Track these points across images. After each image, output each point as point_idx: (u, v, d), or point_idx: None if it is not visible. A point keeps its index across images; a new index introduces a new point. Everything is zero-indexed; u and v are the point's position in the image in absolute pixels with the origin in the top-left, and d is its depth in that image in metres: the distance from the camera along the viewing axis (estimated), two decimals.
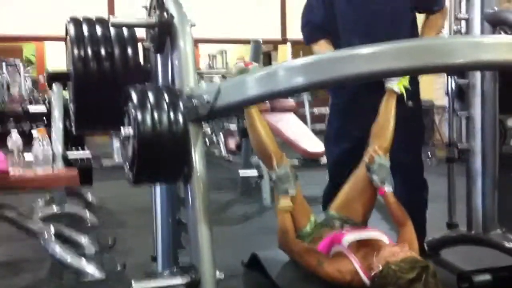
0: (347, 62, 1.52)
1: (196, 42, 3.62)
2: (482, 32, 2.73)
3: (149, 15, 2.10)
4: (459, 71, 2.72)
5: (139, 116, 1.76)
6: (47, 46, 14.01)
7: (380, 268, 2.01)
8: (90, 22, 2.23)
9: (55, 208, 4.01)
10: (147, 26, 2.09)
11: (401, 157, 2.65)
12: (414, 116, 2.76)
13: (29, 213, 3.37)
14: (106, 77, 2.16)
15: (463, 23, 2.84)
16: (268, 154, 2.43)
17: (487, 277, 2.45)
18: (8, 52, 12.32)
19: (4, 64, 11.55)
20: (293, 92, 2.25)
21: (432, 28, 2.76)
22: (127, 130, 1.85)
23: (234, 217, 4.19)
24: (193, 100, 1.80)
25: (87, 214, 4.04)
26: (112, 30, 2.22)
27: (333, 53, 1.61)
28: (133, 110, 1.80)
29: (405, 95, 2.54)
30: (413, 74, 2.40)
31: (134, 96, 1.82)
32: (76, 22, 2.22)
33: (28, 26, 10.05)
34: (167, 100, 1.81)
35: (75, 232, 3.24)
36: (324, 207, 2.72)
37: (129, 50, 2.22)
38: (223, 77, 6.89)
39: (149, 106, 1.78)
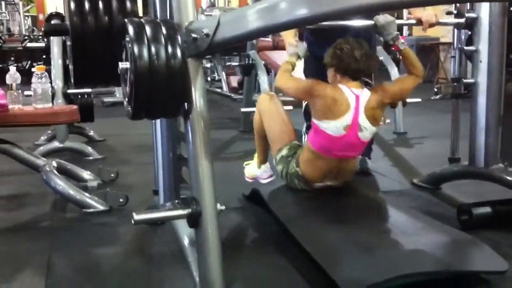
0: None
1: None
2: None
3: None
4: (465, 3, 2.66)
5: (136, 50, 1.72)
6: None
7: None
8: None
9: (57, 144, 4.03)
10: None
11: None
12: None
13: (30, 149, 3.37)
14: (104, 32, 2.10)
15: None
16: None
17: (487, 209, 2.46)
18: None
19: (3, 2, 11.38)
20: (295, 25, 2.19)
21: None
22: (124, 65, 1.82)
23: (235, 154, 4.20)
24: (192, 34, 1.75)
25: (89, 149, 4.06)
26: None
27: None
28: (129, 44, 1.76)
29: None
30: (418, 6, 2.33)
31: (130, 30, 1.78)
32: None
33: None
34: (164, 34, 1.77)
35: (77, 166, 3.26)
36: None
37: (128, 3, 2.16)
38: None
39: (146, 40, 1.74)
